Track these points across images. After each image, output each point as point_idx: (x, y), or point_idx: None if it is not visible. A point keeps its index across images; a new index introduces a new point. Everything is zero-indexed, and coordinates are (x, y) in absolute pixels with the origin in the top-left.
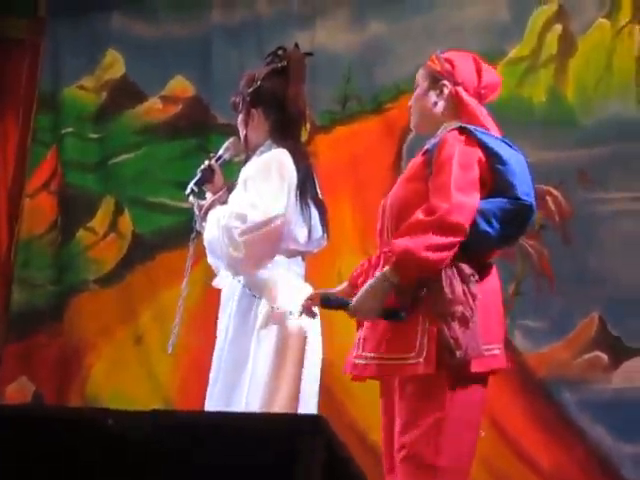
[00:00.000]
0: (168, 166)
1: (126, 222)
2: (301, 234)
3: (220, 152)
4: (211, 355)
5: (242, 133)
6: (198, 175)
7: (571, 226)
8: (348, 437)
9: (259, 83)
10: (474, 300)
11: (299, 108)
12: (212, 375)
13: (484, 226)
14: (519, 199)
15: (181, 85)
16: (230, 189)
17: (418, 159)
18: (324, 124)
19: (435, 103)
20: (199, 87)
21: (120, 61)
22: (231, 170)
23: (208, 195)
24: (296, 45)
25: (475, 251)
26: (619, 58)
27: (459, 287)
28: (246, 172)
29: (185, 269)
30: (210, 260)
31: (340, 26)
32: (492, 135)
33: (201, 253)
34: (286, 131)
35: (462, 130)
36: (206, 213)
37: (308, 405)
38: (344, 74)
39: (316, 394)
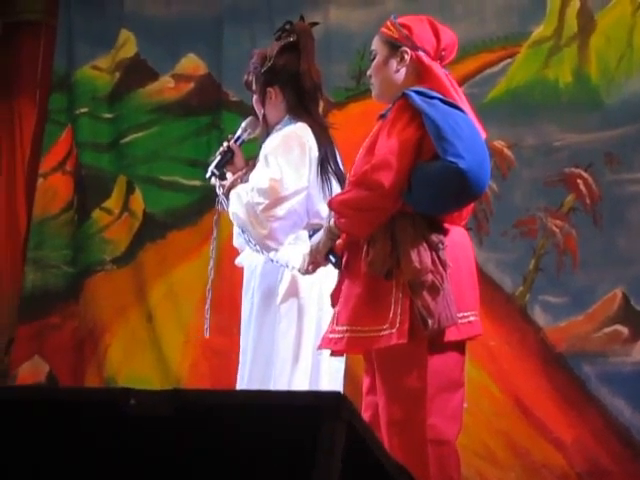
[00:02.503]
0: (180, 144)
1: (138, 201)
2: (323, 208)
3: (238, 133)
4: (221, 334)
5: (260, 112)
6: (217, 158)
7: (601, 208)
8: None
9: (272, 61)
10: (444, 268)
11: (314, 81)
12: (241, 357)
13: (416, 191)
14: (447, 161)
15: (193, 63)
16: (251, 168)
17: (376, 128)
18: (338, 100)
19: (397, 70)
20: (211, 65)
21: (132, 40)
22: (251, 148)
23: (229, 176)
24: (301, 18)
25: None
26: None
27: (427, 256)
28: (266, 148)
29: (210, 251)
30: (236, 239)
31: (354, 3)
32: (436, 96)
33: (209, 233)
34: (303, 105)
35: (403, 96)
36: (228, 192)
37: (335, 380)
38: (358, 50)
39: (341, 368)
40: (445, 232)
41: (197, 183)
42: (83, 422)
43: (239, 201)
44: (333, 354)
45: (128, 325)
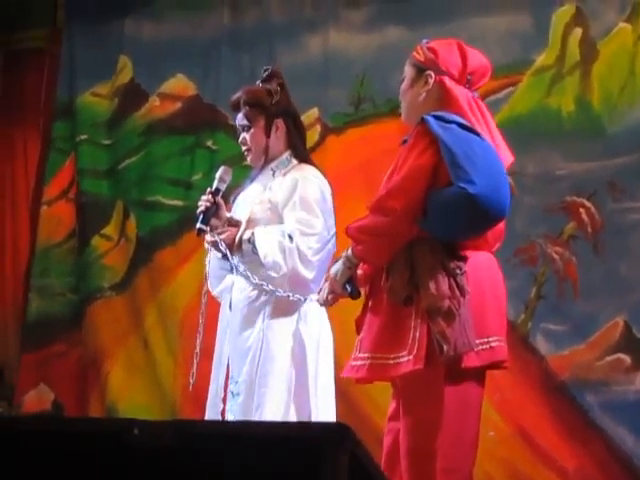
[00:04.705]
0: (163, 164)
1: (132, 225)
2: None
3: (216, 185)
4: (209, 358)
5: (262, 143)
6: (202, 214)
7: (602, 236)
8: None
9: (279, 95)
10: (462, 294)
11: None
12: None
13: (432, 217)
14: (459, 187)
15: (181, 83)
16: (235, 197)
17: (398, 155)
18: (336, 125)
19: (421, 94)
20: (202, 87)
21: (129, 66)
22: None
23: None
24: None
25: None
26: None
27: (444, 282)
28: (292, 190)
29: (199, 325)
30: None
31: (354, 30)
32: (456, 121)
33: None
34: (301, 142)
35: (422, 121)
36: (239, 245)
37: (327, 405)
38: (358, 76)
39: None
40: (464, 258)
41: (178, 203)
42: (87, 452)
43: (277, 247)
44: (358, 382)
45: (127, 351)
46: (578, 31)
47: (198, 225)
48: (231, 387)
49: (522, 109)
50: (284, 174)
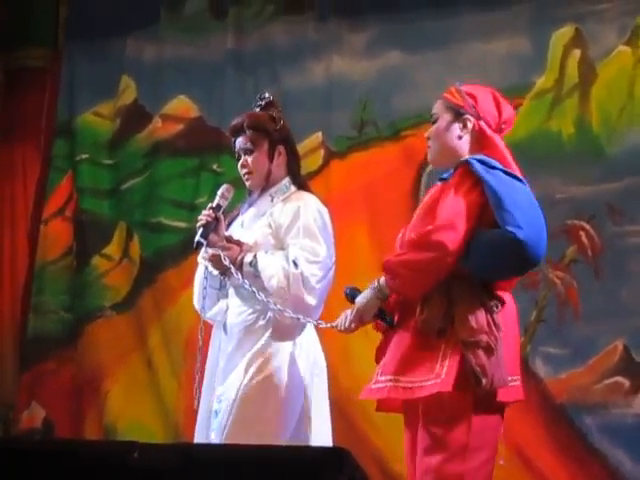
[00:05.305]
0: (167, 185)
1: (136, 247)
2: None
3: (217, 201)
4: None
5: (264, 167)
6: (202, 228)
7: (602, 260)
8: (370, 468)
9: (283, 122)
10: (498, 331)
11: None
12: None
13: (475, 257)
14: (507, 231)
15: (184, 105)
16: (231, 221)
17: (435, 191)
18: (340, 149)
19: (460, 137)
20: (204, 108)
21: (132, 87)
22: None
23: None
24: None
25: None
26: None
27: (483, 317)
28: (294, 217)
29: (197, 363)
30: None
31: (356, 54)
32: (498, 167)
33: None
34: (299, 169)
35: (466, 163)
36: (240, 266)
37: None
38: (361, 99)
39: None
40: (499, 297)
41: (182, 225)
42: (88, 474)
43: (281, 272)
44: (378, 409)
45: (129, 371)
46: (577, 52)
47: (197, 238)
48: (215, 406)
49: (522, 133)
50: (283, 200)
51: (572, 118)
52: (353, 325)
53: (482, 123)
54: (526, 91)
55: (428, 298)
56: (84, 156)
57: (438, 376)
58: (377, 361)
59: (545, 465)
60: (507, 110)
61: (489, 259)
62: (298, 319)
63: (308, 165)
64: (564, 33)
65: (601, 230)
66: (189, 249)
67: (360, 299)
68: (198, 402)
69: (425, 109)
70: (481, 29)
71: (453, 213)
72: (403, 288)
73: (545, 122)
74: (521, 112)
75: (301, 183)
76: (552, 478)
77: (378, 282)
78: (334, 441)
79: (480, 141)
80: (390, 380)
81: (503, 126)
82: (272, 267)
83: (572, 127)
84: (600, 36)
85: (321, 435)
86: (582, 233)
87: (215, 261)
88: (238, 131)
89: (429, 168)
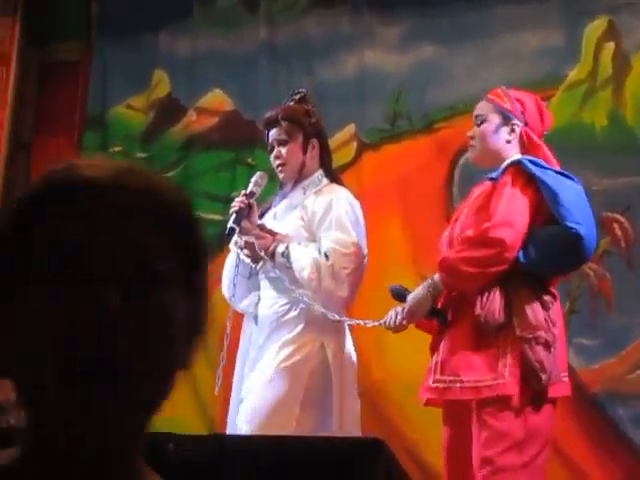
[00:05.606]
0: (202, 178)
1: None
2: None
3: (251, 188)
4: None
5: (298, 160)
6: (235, 214)
7: (635, 251)
8: (402, 459)
9: (317, 116)
10: (554, 326)
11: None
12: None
13: (534, 252)
14: (567, 227)
15: (219, 99)
16: (263, 213)
17: (484, 189)
18: (372, 142)
19: (508, 141)
20: (239, 102)
21: (166, 80)
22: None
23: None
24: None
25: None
26: None
27: (541, 313)
28: (327, 209)
29: (222, 354)
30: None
31: (390, 47)
32: (549, 167)
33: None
34: (331, 163)
35: (519, 163)
36: (272, 256)
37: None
38: (394, 92)
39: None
40: (553, 293)
41: (217, 217)
42: None
43: (313, 264)
44: (428, 404)
45: None
46: (611, 45)
47: (230, 224)
48: (243, 394)
49: (555, 125)
50: (315, 193)
51: (605, 110)
52: (405, 322)
53: (528, 129)
54: (559, 83)
55: (486, 293)
56: (117, 148)
57: (502, 375)
58: (431, 355)
59: (577, 455)
60: (548, 118)
61: (547, 254)
62: (341, 321)
63: (341, 157)
64: (597, 25)
65: (635, 222)
66: (224, 242)
67: (413, 297)
68: (219, 388)
69: (458, 101)
70: (513, 22)
71: (510, 210)
72: (462, 285)
73: (577, 114)
74: (553, 104)
75: (333, 176)
76: (584, 468)
77: (432, 279)
78: (364, 434)
79: (527, 147)
80: (454, 380)
81: (544, 133)
82: (304, 259)
83: (605, 119)
84: (634, 28)
85: (349, 429)
86: (616, 225)
87: (250, 248)
88: (272, 123)
89: (462, 161)
